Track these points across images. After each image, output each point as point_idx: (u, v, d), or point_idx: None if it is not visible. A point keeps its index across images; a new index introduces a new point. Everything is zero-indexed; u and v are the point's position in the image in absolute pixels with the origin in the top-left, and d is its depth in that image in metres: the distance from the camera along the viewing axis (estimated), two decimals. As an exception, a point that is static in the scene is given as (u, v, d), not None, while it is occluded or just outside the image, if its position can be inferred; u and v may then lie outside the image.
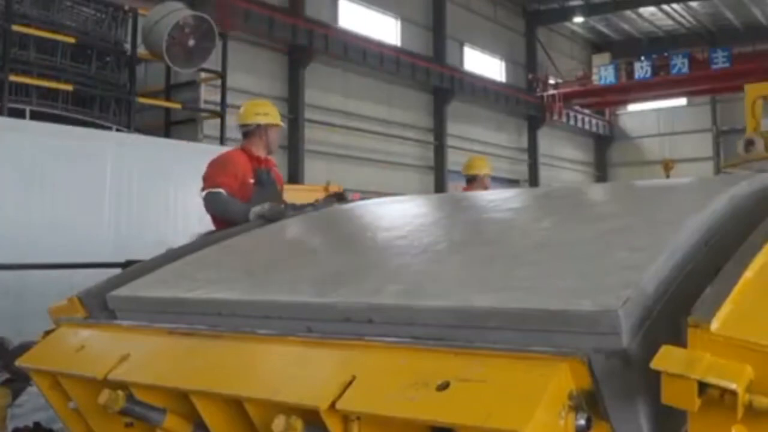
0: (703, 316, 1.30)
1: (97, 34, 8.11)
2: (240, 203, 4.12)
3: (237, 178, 4.30)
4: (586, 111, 29.12)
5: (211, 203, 4.24)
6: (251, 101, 4.90)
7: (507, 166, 24.92)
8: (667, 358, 1.25)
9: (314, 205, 3.46)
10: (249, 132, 4.53)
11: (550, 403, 1.26)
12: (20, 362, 2.16)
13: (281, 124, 4.70)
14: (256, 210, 3.54)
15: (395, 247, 2.24)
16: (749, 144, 8.68)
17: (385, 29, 20.47)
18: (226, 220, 4.00)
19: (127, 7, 8.32)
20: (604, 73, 26.75)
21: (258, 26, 16.10)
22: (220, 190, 4.20)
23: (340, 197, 4.57)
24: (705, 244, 1.75)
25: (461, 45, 23.59)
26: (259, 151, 4.53)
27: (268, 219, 3.21)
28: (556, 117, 26.69)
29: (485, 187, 6.85)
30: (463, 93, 22.56)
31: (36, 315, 2.53)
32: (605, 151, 31.45)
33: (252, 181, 4.36)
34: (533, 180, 26.17)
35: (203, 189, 4.28)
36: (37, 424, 3.12)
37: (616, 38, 30.14)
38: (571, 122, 28.39)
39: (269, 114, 4.56)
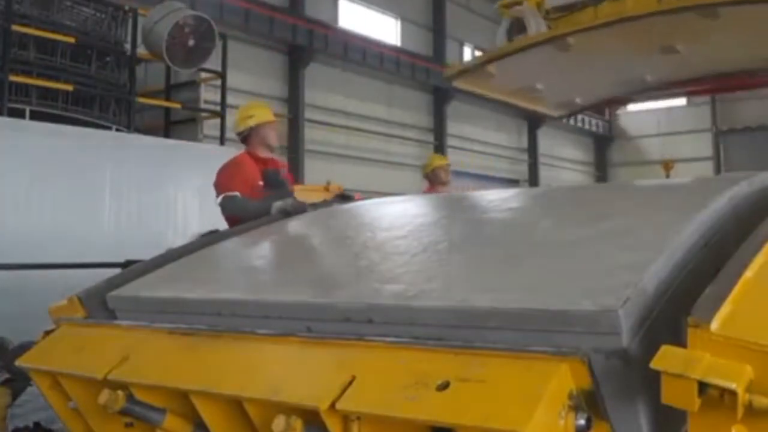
0: (703, 316, 1.30)
1: (97, 34, 8.12)
2: (257, 202, 4.14)
3: (247, 183, 4.33)
4: (586, 111, 29.10)
5: (228, 206, 4.28)
6: (241, 107, 4.91)
7: (507, 166, 24.91)
8: (667, 358, 1.25)
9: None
10: (245, 137, 4.60)
11: (550, 403, 1.26)
12: (20, 362, 2.16)
13: (272, 119, 4.68)
14: (278, 205, 3.58)
15: (395, 247, 2.24)
16: (517, 27, 4.83)
17: (385, 29, 20.46)
18: (247, 219, 4.04)
19: (127, 7, 8.33)
20: (604, 73, 26.72)
21: (258, 26, 16.09)
22: (236, 193, 4.25)
23: (345, 199, 4.59)
24: (705, 244, 1.75)
25: (461, 45, 23.57)
26: (262, 153, 4.57)
27: (289, 214, 3.23)
28: (556, 117, 26.66)
29: (447, 178, 7.03)
30: (464, 93, 22.51)
31: (36, 315, 2.53)
32: (605, 151, 31.44)
33: (261, 183, 4.38)
34: (533, 180, 26.16)
35: (218, 195, 4.32)
36: (37, 424, 3.12)
37: (616, 38, 30.11)
38: (571, 122, 28.37)
39: (255, 115, 4.59)
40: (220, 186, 4.35)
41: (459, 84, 5.23)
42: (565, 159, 28.98)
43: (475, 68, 5.00)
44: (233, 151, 8.79)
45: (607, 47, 4.48)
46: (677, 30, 4.26)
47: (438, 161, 7.22)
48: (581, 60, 4.65)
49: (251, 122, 4.55)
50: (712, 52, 4.64)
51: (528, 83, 5.13)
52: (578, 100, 5.65)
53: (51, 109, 7.41)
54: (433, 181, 7.01)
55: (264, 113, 4.64)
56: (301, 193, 5.12)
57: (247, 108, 4.77)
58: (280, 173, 4.55)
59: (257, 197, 4.26)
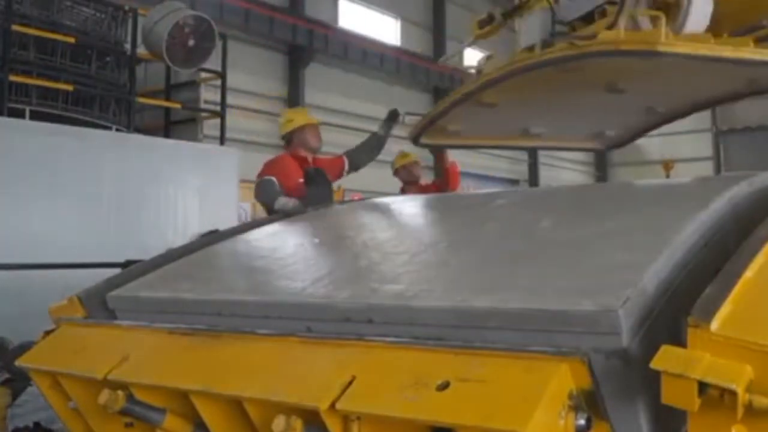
0: (703, 316, 1.30)
1: (97, 34, 8.11)
2: (278, 191, 4.51)
3: (290, 178, 4.72)
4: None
5: (258, 187, 4.70)
6: (283, 113, 5.52)
7: (507, 166, 24.89)
8: (666, 358, 1.25)
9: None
10: (288, 141, 5.09)
11: (550, 403, 1.26)
12: (20, 362, 2.16)
13: (309, 122, 5.14)
14: (281, 202, 3.81)
15: (395, 247, 2.24)
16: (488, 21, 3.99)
17: (385, 29, 20.45)
18: (265, 205, 4.37)
19: (127, 7, 8.33)
20: (604, 72, 26.68)
21: (258, 26, 16.09)
22: (272, 177, 4.66)
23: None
24: (705, 244, 1.75)
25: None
26: (304, 153, 5.02)
27: (289, 214, 3.37)
28: (556, 117, 26.62)
29: (417, 175, 7.20)
30: (463, 93, 22.51)
31: (36, 315, 2.53)
32: (605, 151, 31.43)
33: (301, 180, 4.77)
34: (533, 180, 26.14)
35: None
36: (37, 424, 3.12)
37: (616, 38, 30.07)
38: (571, 122, 28.35)
39: (293, 120, 5.11)
40: (260, 174, 4.79)
41: (429, 141, 4.51)
42: (565, 159, 28.93)
43: (430, 127, 4.27)
44: (233, 151, 8.84)
45: (551, 88, 3.74)
46: (607, 72, 3.55)
47: (403, 159, 7.26)
48: (546, 102, 3.94)
49: (290, 126, 5.04)
50: (659, 89, 3.98)
51: (515, 129, 4.36)
52: (610, 133, 4.79)
53: (51, 109, 7.40)
54: (405, 179, 7.05)
55: (301, 117, 5.19)
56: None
57: (286, 113, 5.38)
58: (320, 171, 4.96)
59: (298, 194, 4.63)
